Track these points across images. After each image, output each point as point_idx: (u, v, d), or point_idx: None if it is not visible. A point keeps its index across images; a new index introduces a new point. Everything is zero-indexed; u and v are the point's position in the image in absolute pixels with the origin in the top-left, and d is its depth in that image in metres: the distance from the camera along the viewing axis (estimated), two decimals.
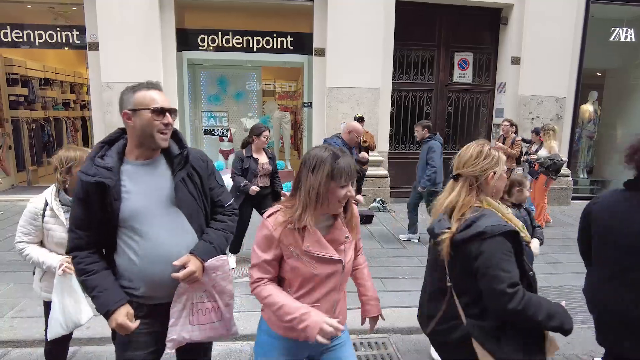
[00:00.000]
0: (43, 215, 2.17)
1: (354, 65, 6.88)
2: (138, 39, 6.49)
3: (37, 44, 7.09)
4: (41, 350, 2.94)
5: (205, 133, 8.24)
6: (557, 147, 5.94)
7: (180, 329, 1.68)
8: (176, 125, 6.86)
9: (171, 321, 1.66)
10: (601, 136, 9.41)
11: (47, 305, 2.27)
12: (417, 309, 1.86)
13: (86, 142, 10.66)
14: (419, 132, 5.32)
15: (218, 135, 8.26)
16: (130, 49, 6.47)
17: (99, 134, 6.91)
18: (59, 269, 2.09)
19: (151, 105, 1.57)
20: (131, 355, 1.68)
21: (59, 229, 2.17)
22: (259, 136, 4.18)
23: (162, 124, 1.59)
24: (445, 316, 1.61)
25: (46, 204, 2.18)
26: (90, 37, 6.67)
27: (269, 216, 1.56)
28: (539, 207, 5.96)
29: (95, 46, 6.64)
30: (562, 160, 5.98)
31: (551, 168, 5.71)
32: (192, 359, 1.88)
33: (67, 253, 1.63)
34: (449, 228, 1.55)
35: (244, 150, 4.25)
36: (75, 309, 2.13)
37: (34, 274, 2.38)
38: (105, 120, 6.66)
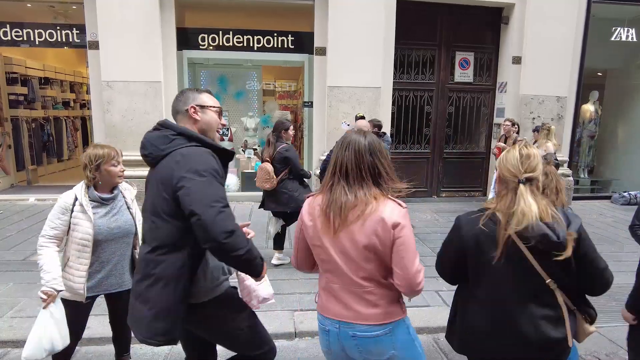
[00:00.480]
0: (72, 210, 2.23)
1: (355, 65, 6.87)
2: (138, 38, 6.47)
3: (37, 43, 7.07)
4: None
5: None
6: (553, 146, 5.88)
7: (256, 288, 1.96)
8: None
9: (248, 281, 1.93)
10: (602, 136, 9.40)
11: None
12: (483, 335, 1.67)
13: (86, 141, 10.64)
14: (369, 129, 5.38)
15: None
16: (130, 48, 6.45)
17: (99, 133, 6.89)
18: (42, 296, 2.15)
19: (216, 105, 1.83)
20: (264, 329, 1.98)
21: (85, 224, 2.23)
22: (287, 130, 4.39)
23: (220, 124, 1.86)
24: (570, 315, 1.60)
25: (75, 199, 2.24)
26: (90, 36, 6.65)
27: (401, 213, 1.51)
28: None
29: (95, 45, 6.61)
30: (556, 159, 5.94)
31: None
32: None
33: (234, 231, 1.54)
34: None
35: (289, 145, 4.40)
36: (55, 335, 2.17)
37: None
38: (105, 120, 6.64)
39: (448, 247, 1.72)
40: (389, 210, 1.48)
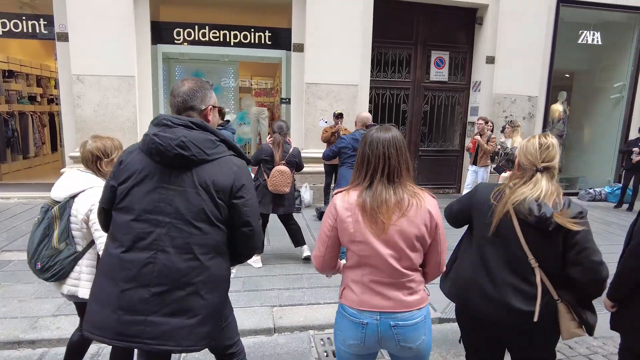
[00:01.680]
0: None
1: (333, 62, 6.88)
2: (111, 30, 6.26)
3: (1, 34, 6.74)
4: (16, 353, 2.82)
5: None
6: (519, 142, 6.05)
7: None
8: (150, 120, 6.48)
9: None
10: (569, 135, 9.76)
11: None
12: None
13: (54, 138, 10.24)
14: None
15: None
16: (102, 41, 6.24)
17: (68, 129, 6.64)
18: None
19: (217, 105, 1.74)
20: None
21: None
22: (288, 132, 4.44)
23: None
24: (543, 296, 1.67)
25: None
26: (59, 27, 6.40)
27: (436, 204, 1.62)
28: None
29: (64, 37, 6.37)
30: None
31: (508, 157, 5.87)
32: None
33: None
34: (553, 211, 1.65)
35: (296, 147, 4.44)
36: None
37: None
38: (75, 114, 6.40)
39: (462, 200, 1.93)
40: (431, 202, 1.59)
